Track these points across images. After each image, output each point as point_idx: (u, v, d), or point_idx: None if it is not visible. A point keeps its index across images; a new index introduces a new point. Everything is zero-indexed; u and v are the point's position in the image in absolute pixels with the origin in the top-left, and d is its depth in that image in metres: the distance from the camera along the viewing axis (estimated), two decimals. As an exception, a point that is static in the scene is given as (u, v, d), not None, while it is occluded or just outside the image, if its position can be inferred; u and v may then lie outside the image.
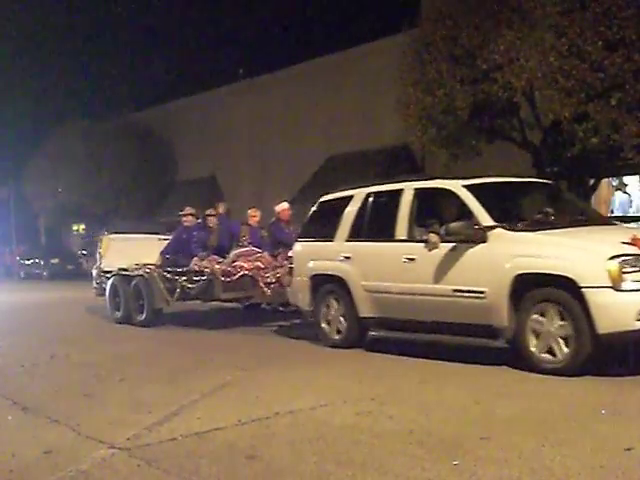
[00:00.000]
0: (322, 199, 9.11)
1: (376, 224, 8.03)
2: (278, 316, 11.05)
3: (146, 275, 11.16)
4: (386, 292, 7.61)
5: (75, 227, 41.03)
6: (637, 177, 18.56)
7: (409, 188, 7.66)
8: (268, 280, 10.30)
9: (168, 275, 10.93)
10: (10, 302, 18.38)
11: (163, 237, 12.63)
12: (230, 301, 11.19)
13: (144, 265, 11.57)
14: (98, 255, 12.89)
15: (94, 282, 12.88)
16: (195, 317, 12.08)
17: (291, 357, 7.82)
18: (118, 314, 11.78)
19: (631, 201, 18.89)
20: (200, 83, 33.57)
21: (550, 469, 3.78)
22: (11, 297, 20.43)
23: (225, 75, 32.42)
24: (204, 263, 10.64)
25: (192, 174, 33.30)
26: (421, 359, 7.26)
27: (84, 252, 33.20)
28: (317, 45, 28.95)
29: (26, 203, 36.92)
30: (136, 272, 11.43)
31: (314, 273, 8.45)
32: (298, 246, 9.00)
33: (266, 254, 10.80)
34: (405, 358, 7.36)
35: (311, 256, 8.60)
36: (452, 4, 15.83)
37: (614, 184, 18.88)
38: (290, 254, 9.20)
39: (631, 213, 18.32)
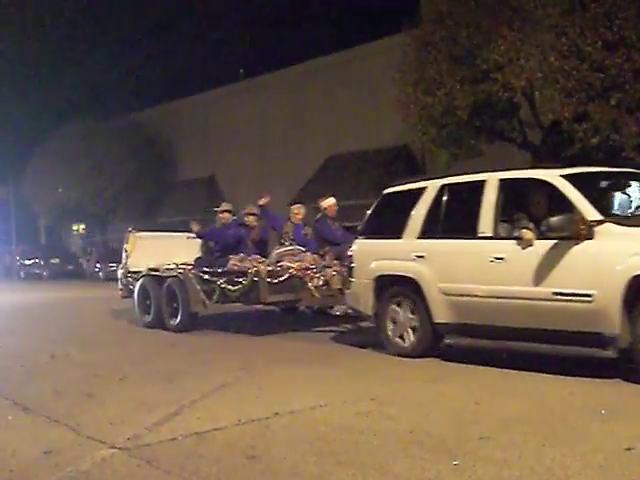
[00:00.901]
0: (387, 191, 8.19)
1: (454, 219, 7.22)
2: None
3: (181, 276, 10.30)
4: (468, 295, 6.80)
5: (75, 227, 41.04)
6: (637, 177, 18.54)
7: (493, 179, 6.90)
8: (317, 282, 9.45)
9: (205, 276, 10.04)
10: (10, 302, 18.36)
11: (192, 235, 11.87)
12: (275, 304, 10.37)
13: (177, 265, 10.83)
14: (124, 254, 12.01)
15: (119, 283, 12.00)
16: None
17: (291, 357, 7.82)
18: (148, 318, 10.93)
19: (631, 201, 18.85)
20: (200, 83, 33.61)
21: (550, 469, 3.78)
22: (12, 298, 20.41)
23: (225, 75, 32.44)
24: (245, 263, 9.83)
25: (192, 174, 33.32)
26: (421, 359, 7.26)
27: (89, 253, 33.27)
28: (317, 45, 28.97)
29: (26, 203, 36.92)
30: (169, 272, 10.60)
31: (379, 274, 7.64)
32: (359, 244, 8.12)
33: (310, 253, 10.02)
34: (405, 358, 7.36)
35: (375, 255, 7.77)
36: (452, 4, 15.84)
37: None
38: (349, 253, 8.27)
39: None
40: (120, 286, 11.92)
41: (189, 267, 10.57)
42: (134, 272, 11.51)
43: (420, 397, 5.61)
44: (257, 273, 9.22)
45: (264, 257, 10.13)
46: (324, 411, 5.25)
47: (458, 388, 5.88)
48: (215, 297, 9.85)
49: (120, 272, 11.99)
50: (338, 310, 10.33)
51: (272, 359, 7.69)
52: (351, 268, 8.12)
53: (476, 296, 6.73)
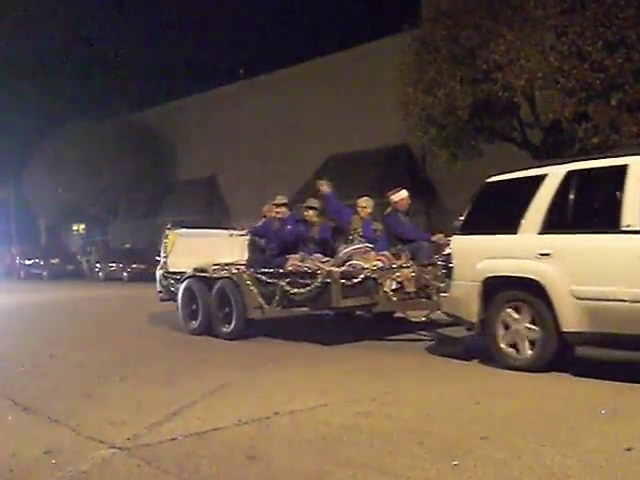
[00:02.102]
0: (491, 180, 7.08)
1: (587, 211, 6.31)
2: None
3: (235, 277, 9.24)
4: (610, 299, 5.82)
5: (75, 227, 41.06)
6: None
7: (638, 162, 5.92)
8: (392, 284, 8.40)
9: (263, 277, 8.98)
10: (9, 303, 18.36)
11: (236, 233, 11.11)
12: (346, 309, 9.15)
13: (228, 264, 9.98)
14: (162, 253, 11.01)
15: (158, 284, 10.95)
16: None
17: (291, 357, 7.82)
18: (194, 324, 9.86)
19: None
20: (200, 83, 33.60)
21: (550, 469, 3.77)
22: (10, 298, 20.41)
23: (225, 75, 32.45)
24: (307, 263, 8.90)
25: (192, 174, 33.33)
26: (421, 359, 7.26)
27: (89, 253, 33.27)
28: (317, 45, 29.00)
29: (26, 203, 36.94)
30: (220, 273, 9.59)
31: (488, 275, 6.60)
32: (460, 242, 7.10)
33: (379, 252, 8.98)
34: (405, 358, 7.36)
35: (483, 254, 6.72)
36: (452, 4, 15.85)
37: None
38: (448, 251, 7.28)
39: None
40: (159, 288, 10.95)
41: (241, 267, 9.67)
42: (174, 273, 10.55)
43: (420, 397, 5.60)
44: (329, 274, 8.16)
45: (326, 256, 9.20)
46: (324, 411, 5.24)
47: (458, 388, 5.87)
48: (275, 301, 8.75)
49: (159, 273, 10.96)
50: (416, 315, 9.15)
51: (272, 359, 7.68)
52: (449, 268, 7.08)
53: (620, 300, 5.75)
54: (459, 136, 16.54)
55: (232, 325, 9.21)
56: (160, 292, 10.96)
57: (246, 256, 10.45)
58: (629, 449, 4.03)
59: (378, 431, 4.63)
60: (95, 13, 45.56)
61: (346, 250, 8.87)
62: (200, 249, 10.53)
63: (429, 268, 8.50)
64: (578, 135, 14.29)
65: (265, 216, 10.26)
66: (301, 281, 8.46)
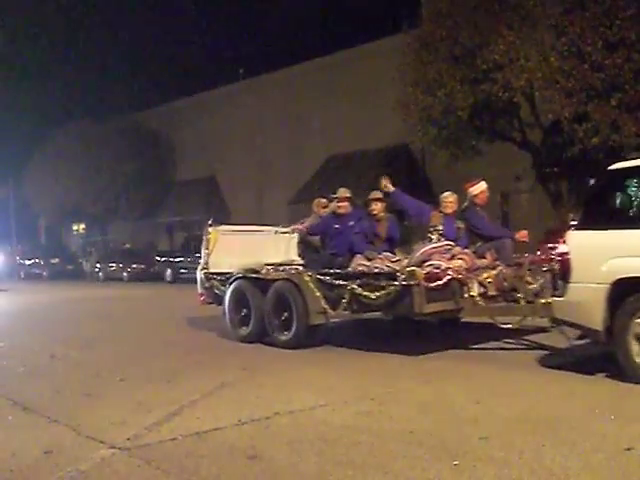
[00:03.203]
0: (614, 167, 6.25)
1: None
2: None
3: (295, 279, 8.31)
4: None
5: (75, 227, 41.06)
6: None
7: None
8: (477, 287, 7.51)
9: (327, 279, 8.04)
10: (7, 303, 18.35)
11: (282, 230, 10.34)
12: (429, 316, 7.88)
13: (282, 265, 9.24)
14: (203, 252, 9.99)
15: (199, 287, 9.94)
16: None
17: (291, 357, 7.81)
18: (245, 331, 8.92)
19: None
20: (200, 83, 33.60)
21: (550, 469, 3.78)
22: (8, 299, 20.40)
23: (225, 75, 32.44)
24: (376, 263, 8.13)
25: (192, 174, 33.33)
26: (421, 359, 7.26)
27: (89, 253, 33.30)
28: (317, 45, 28.99)
29: (26, 203, 36.93)
30: (278, 275, 8.71)
31: (619, 277, 5.77)
32: (578, 238, 6.23)
33: (468, 251, 8.12)
34: (405, 358, 7.36)
35: (610, 252, 5.90)
36: (452, 4, 15.85)
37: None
38: (563, 249, 6.36)
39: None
40: (200, 290, 9.90)
41: (300, 268, 8.89)
42: (219, 274, 9.55)
43: (420, 397, 5.60)
44: (412, 275, 7.18)
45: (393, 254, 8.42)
46: (324, 411, 5.24)
47: (458, 388, 5.88)
48: (343, 305, 7.79)
49: (200, 274, 9.88)
50: (507, 322, 8.01)
51: (272, 359, 7.69)
52: (565, 269, 6.25)
53: None
54: (459, 136, 16.55)
55: (292, 332, 8.23)
56: (202, 295, 9.90)
57: (293, 256, 9.88)
58: (629, 449, 4.03)
59: (378, 431, 4.63)
60: (95, 13, 45.58)
61: (424, 249, 7.81)
62: (243, 248, 9.71)
63: (514, 269, 7.77)
64: (578, 135, 14.30)
65: (314, 212, 9.68)
66: (376, 283, 7.51)
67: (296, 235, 10.04)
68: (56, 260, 33.76)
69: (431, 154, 19.11)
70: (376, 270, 7.91)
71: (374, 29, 27.45)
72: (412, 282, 7.14)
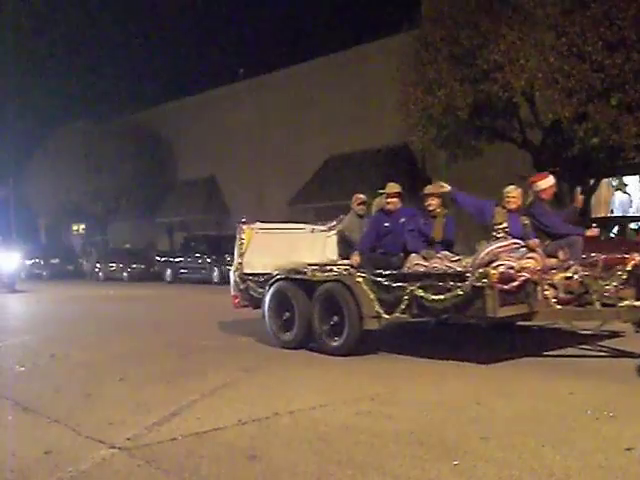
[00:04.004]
0: None
1: None
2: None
3: (347, 280, 7.64)
4: None
5: (75, 227, 41.07)
6: (637, 177, 18.58)
7: None
8: (551, 290, 6.92)
9: (383, 280, 7.38)
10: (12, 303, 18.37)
11: (320, 228, 9.76)
12: (502, 320, 7.14)
13: (327, 265, 8.54)
14: (237, 251, 9.30)
15: (233, 289, 9.25)
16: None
17: (291, 357, 7.81)
18: (288, 336, 8.30)
19: (631, 201, 18.92)
20: (200, 83, 33.63)
21: (550, 469, 3.78)
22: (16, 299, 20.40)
23: (225, 75, 32.46)
24: (434, 263, 7.63)
25: (192, 174, 33.35)
26: (421, 359, 7.26)
27: (89, 253, 33.26)
28: (317, 45, 29.00)
29: (26, 203, 36.93)
30: (327, 276, 8.01)
31: None
32: None
33: (539, 249, 7.53)
34: (405, 358, 7.36)
35: None
36: (452, 4, 15.85)
37: (614, 184, 18.92)
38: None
39: (631, 213, 18.33)
40: (234, 292, 9.21)
41: (348, 268, 8.14)
42: (255, 275, 8.93)
43: (420, 397, 5.60)
44: (484, 276, 6.59)
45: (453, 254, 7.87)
46: (324, 411, 5.25)
47: (458, 388, 5.88)
48: (401, 309, 7.15)
49: (234, 275, 9.20)
50: (585, 327, 7.71)
51: (272, 359, 7.68)
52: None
53: None
54: (459, 136, 16.55)
55: (342, 338, 7.62)
56: (236, 297, 9.20)
57: (329, 255, 9.40)
58: (629, 449, 4.03)
59: (378, 431, 4.63)
60: (95, 13, 45.56)
61: (490, 248, 7.25)
62: (277, 247, 9.12)
63: (588, 269, 7.29)
64: (578, 135, 14.30)
65: (352, 209, 9.28)
66: (441, 285, 6.87)
67: (332, 233, 9.60)
68: (56, 260, 33.75)
69: (431, 154, 19.12)
70: (442, 270, 7.32)
71: (374, 29, 27.45)
72: (484, 283, 6.53)
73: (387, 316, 7.31)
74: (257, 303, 8.90)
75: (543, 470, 3.77)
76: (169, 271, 26.44)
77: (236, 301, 9.24)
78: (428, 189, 8.32)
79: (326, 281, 7.90)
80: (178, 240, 30.31)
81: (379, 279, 7.42)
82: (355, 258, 8.34)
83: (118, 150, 32.44)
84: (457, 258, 7.68)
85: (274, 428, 4.81)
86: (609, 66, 13.44)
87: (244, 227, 9.23)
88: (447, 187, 8.14)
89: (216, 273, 24.17)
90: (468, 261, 7.45)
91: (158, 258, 27.88)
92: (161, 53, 41.36)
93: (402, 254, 8.07)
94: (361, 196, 9.49)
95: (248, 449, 4.33)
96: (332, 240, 9.67)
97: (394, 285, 7.25)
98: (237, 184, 31.20)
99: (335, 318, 7.73)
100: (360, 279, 7.52)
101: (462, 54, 15.50)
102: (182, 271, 25.89)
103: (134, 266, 29.09)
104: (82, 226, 40.32)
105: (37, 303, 18.03)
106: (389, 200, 8.52)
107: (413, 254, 7.88)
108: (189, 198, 32.74)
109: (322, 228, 9.85)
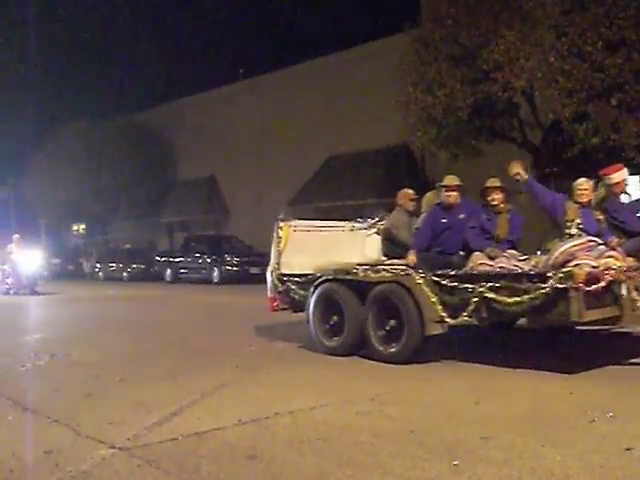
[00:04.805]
0: None
1: None
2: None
3: (406, 282, 7.03)
4: None
5: (75, 227, 41.07)
6: (637, 177, 18.57)
7: None
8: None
9: (445, 281, 6.83)
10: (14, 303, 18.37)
11: (359, 226, 9.26)
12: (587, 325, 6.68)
13: (379, 265, 7.89)
14: (273, 250, 8.72)
15: (270, 291, 8.66)
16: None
17: (291, 357, 7.81)
18: (336, 342, 7.68)
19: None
20: (200, 83, 33.66)
21: (550, 469, 3.78)
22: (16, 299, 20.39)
23: (225, 75, 32.49)
24: (501, 262, 7.00)
25: (192, 174, 33.35)
26: (421, 359, 7.25)
27: (89, 253, 33.23)
28: (317, 45, 29.01)
29: (26, 203, 36.93)
30: (381, 276, 7.39)
31: None
32: None
33: (619, 248, 6.91)
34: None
35: None
36: (452, 4, 15.86)
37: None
38: None
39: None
40: (271, 294, 8.61)
41: (404, 268, 7.44)
42: (296, 275, 8.36)
43: (420, 397, 5.60)
44: (568, 276, 6.01)
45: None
46: (324, 411, 5.24)
47: (458, 388, 5.88)
48: (468, 312, 6.59)
49: (271, 275, 8.62)
50: None
51: (272, 359, 7.68)
52: None
53: None
54: (459, 136, 16.56)
55: (400, 344, 7.01)
56: (274, 299, 8.58)
57: (370, 254, 8.87)
58: (629, 449, 4.03)
59: (378, 431, 4.63)
60: (95, 13, 45.57)
61: (564, 247, 6.64)
62: (315, 246, 8.57)
63: None
64: (578, 135, 14.30)
65: (401, 204, 8.64)
66: (516, 286, 6.30)
67: (372, 232, 9.09)
68: (57, 260, 33.73)
69: (431, 154, 19.12)
70: (518, 271, 6.70)
71: (374, 29, 27.47)
72: (568, 285, 5.95)
73: (452, 320, 6.73)
74: (298, 306, 8.31)
75: (543, 470, 3.77)
76: (169, 271, 26.45)
77: (274, 304, 8.59)
78: (491, 182, 7.64)
79: (381, 282, 7.28)
80: (178, 240, 30.33)
81: (442, 280, 6.84)
82: (411, 257, 7.58)
83: (118, 150, 32.44)
84: (525, 257, 7.14)
85: (274, 428, 4.81)
86: (609, 66, 13.45)
87: (282, 224, 8.65)
88: (525, 175, 7.43)
89: (216, 273, 24.20)
90: (538, 260, 6.95)
91: (158, 258, 27.89)
92: (161, 53, 41.38)
93: (461, 253, 7.52)
94: (411, 192, 8.82)
95: (248, 449, 4.33)
96: (372, 238, 9.16)
97: (460, 287, 6.68)
98: (237, 184, 31.19)
99: (391, 323, 7.10)
100: (420, 280, 6.93)
101: (462, 54, 15.51)
102: (182, 271, 25.89)
103: (134, 266, 29.10)
104: (82, 226, 40.32)
105: (37, 303, 18.02)
106: (449, 194, 7.80)
107: (477, 253, 7.26)
108: (189, 198, 32.74)
109: (362, 226, 9.31)
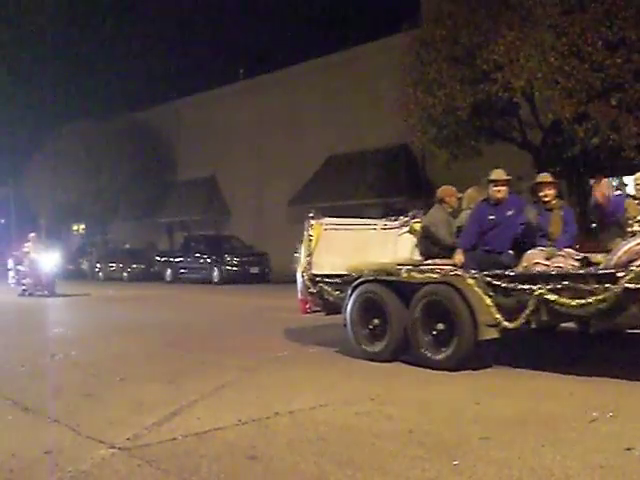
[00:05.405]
0: None
1: None
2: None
3: (456, 282, 6.58)
4: None
5: (75, 227, 41.07)
6: (637, 177, 18.57)
7: None
8: None
9: (501, 282, 6.38)
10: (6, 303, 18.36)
11: (390, 225, 8.86)
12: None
13: (419, 265, 7.48)
14: (304, 249, 8.21)
15: (301, 292, 8.18)
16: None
17: (291, 357, 7.81)
18: (378, 347, 7.23)
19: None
20: (200, 83, 33.62)
21: (550, 469, 3.78)
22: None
23: (225, 75, 32.46)
24: (557, 261, 6.58)
25: (192, 174, 33.36)
26: (420, 359, 7.25)
27: (89, 253, 33.19)
28: (317, 45, 28.98)
29: (26, 203, 36.94)
30: (427, 277, 6.92)
31: None
32: None
33: None
34: (404, 358, 7.34)
35: None
36: (452, 4, 15.87)
37: (614, 184, 18.90)
38: None
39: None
40: (302, 296, 8.16)
41: (452, 269, 6.99)
42: (330, 276, 7.92)
43: (420, 397, 5.60)
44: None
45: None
46: (324, 411, 5.24)
47: (458, 388, 5.88)
48: (525, 315, 6.16)
49: (302, 276, 8.11)
50: None
51: (272, 359, 7.68)
52: None
53: None
54: (459, 136, 16.57)
55: (451, 349, 6.56)
56: (305, 302, 8.15)
57: (402, 253, 8.54)
58: (629, 449, 4.03)
59: (378, 431, 4.63)
60: (95, 13, 45.60)
61: (629, 246, 6.12)
62: (346, 245, 8.22)
63: None
64: (578, 135, 14.31)
65: (442, 200, 8.18)
66: (581, 287, 5.85)
67: (405, 231, 8.70)
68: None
69: (431, 154, 19.13)
70: (584, 271, 6.20)
71: (374, 29, 27.45)
72: (630, 285, 5.56)
73: (509, 324, 6.28)
74: (332, 308, 7.91)
75: (543, 470, 3.77)
76: (169, 271, 26.45)
77: (306, 306, 8.15)
78: (543, 177, 7.32)
79: (428, 283, 6.84)
80: (178, 240, 30.33)
81: (496, 281, 6.41)
82: (458, 257, 7.19)
83: (118, 150, 32.45)
84: (582, 256, 6.69)
85: (274, 428, 4.81)
86: (609, 66, 13.46)
87: (313, 222, 8.18)
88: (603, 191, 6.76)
89: (216, 273, 24.21)
90: (598, 259, 6.54)
91: (158, 258, 27.89)
92: (161, 53, 41.35)
93: (510, 251, 7.10)
94: (454, 188, 8.36)
95: (248, 449, 4.33)
96: (404, 238, 8.80)
97: (517, 288, 6.24)
98: (237, 184, 31.21)
99: (439, 326, 6.68)
100: (472, 281, 6.49)
101: (462, 54, 15.52)
102: (182, 271, 25.90)
103: (134, 266, 29.09)
104: (82, 226, 40.32)
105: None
106: (498, 188, 7.24)
107: (530, 251, 6.83)
108: (189, 198, 32.75)
109: (394, 224, 8.90)
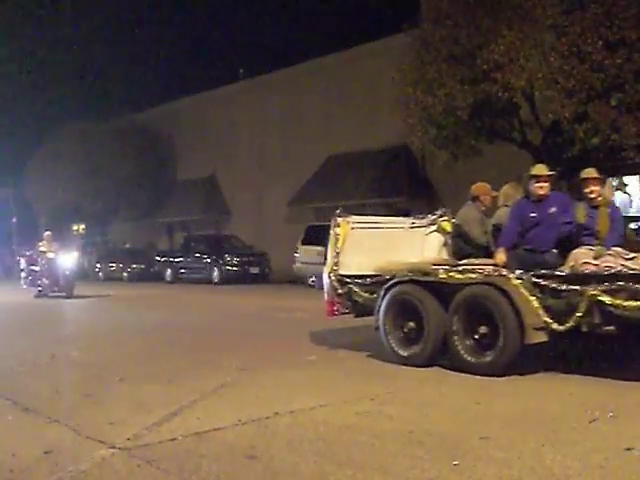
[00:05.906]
0: None
1: None
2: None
3: (500, 283, 6.28)
4: None
5: (75, 227, 41.07)
6: (637, 177, 18.59)
7: None
8: None
9: (549, 283, 6.10)
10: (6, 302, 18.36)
11: (418, 223, 8.47)
12: None
13: (459, 265, 7.09)
14: (330, 248, 7.90)
15: (327, 293, 7.86)
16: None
17: (291, 357, 7.81)
18: (414, 351, 6.90)
19: (631, 201, 18.92)
20: (200, 83, 33.64)
21: (550, 469, 3.78)
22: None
23: (225, 75, 32.48)
24: (606, 260, 6.25)
25: (192, 174, 33.36)
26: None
27: (89, 253, 33.16)
28: (317, 45, 29.03)
29: (26, 203, 36.94)
30: (468, 277, 6.60)
31: None
32: None
33: None
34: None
35: None
36: (452, 4, 15.87)
37: (614, 184, 18.90)
38: None
39: (631, 213, 18.33)
40: (329, 298, 7.83)
41: (494, 269, 6.63)
42: (359, 277, 7.62)
43: (420, 397, 5.60)
44: None
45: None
46: (324, 411, 5.24)
47: (458, 388, 5.88)
48: (575, 318, 5.85)
49: (329, 276, 7.79)
50: None
51: (272, 360, 7.68)
52: None
53: None
54: (459, 136, 16.55)
55: (495, 353, 6.26)
56: (333, 304, 7.81)
57: (429, 253, 8.14)
58: (629, 449, 4.03)
59: (378, 431, 4.63)
60: (95, 13, 45.59)
61: None
62: (373, 244, 7.89)
63: None
64: (578, 135, 14.31)
65: (477, 198, 7.86)
66: (638, 288, 5.57)
67: (432, 229, 8.37)
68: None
69: (431, 154, 19.11)
70: (633, 270, 5.87)
71: (374, 29, 27.49)
72: None
73: (560, 327, 5.95)
74: (361, 310, 7.65)
75: (543, 470, 3.77)
76: (169, 271, 26.45)
77: (334, 308, 7.81)
78: (588, 173, 6.93)
79: (469, 284, 6.53)
80: (178, 240, 30.32)
81: (543, 281, 6.12)
82: (500, 256, 6.84)
83: (118, 150, 32.44)
84: (632, 255, 6.33)
85: (274, 428, 4.80)
86: (609, 66, 13.46)
87: (340, 220, 7.89)
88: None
89: (216, 273, 24.20)
90: None
91: (158, 258, 27.88)
92: (161, 53, 41.36)
93: (554, 250, 6.83)
94: (489, 185, 8.05)
95: (248, 449, 4.33)
96: (431, 237, 8.44)
97: (566, 289, 5.96)
98: (237, 184, 31.21)
99: (482, 329, 6.39)
100: (518, 281, 6.19)
101: (462, 54, 15.51)
102: (182, 271, 25.90)
103: (134, 266, 29.09)
104: (82, 226, 40.31)
105: (40, 304, 18.02)
106: (541, 184, 6.92)
107: (577, 250, 6.53)
108: (189, 198, 32.75)
109: (421, 223, 8.51)
